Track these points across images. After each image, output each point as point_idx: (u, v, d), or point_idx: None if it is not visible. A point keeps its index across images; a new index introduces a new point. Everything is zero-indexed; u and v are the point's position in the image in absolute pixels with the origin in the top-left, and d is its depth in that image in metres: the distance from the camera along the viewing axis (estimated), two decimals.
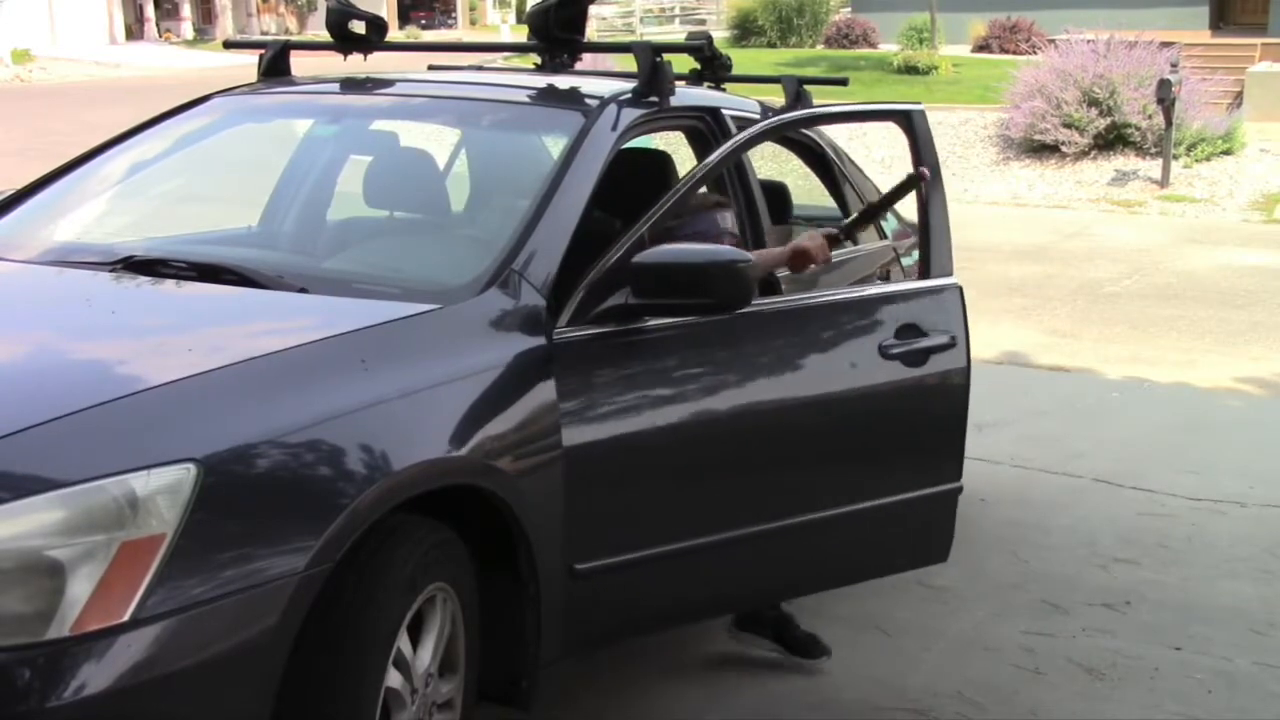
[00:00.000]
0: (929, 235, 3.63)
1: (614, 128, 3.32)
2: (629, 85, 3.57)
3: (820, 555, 3.52)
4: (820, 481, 3.44)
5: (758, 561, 3.37)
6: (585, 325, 2.91)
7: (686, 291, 2.94)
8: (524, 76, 4.00)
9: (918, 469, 3.62)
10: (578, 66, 4.13)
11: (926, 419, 3.63)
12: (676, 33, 29.78)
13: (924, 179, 3.59)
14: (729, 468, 3.23)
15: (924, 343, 3.54)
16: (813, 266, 3.54)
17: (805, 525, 3.38)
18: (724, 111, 3.81)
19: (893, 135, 16.03)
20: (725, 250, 3.04)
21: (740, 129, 3.80)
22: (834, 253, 4.26)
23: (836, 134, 4.35)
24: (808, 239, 3.54)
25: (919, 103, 3.79)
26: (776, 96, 4.38)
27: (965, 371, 3.63)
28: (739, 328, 3.19)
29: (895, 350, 3.49)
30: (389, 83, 3.88)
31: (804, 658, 3.69)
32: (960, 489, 3.68)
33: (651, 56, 3.49)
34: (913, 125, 3.66)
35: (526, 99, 3.68)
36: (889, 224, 4.57)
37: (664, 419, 3.05)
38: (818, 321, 3.49)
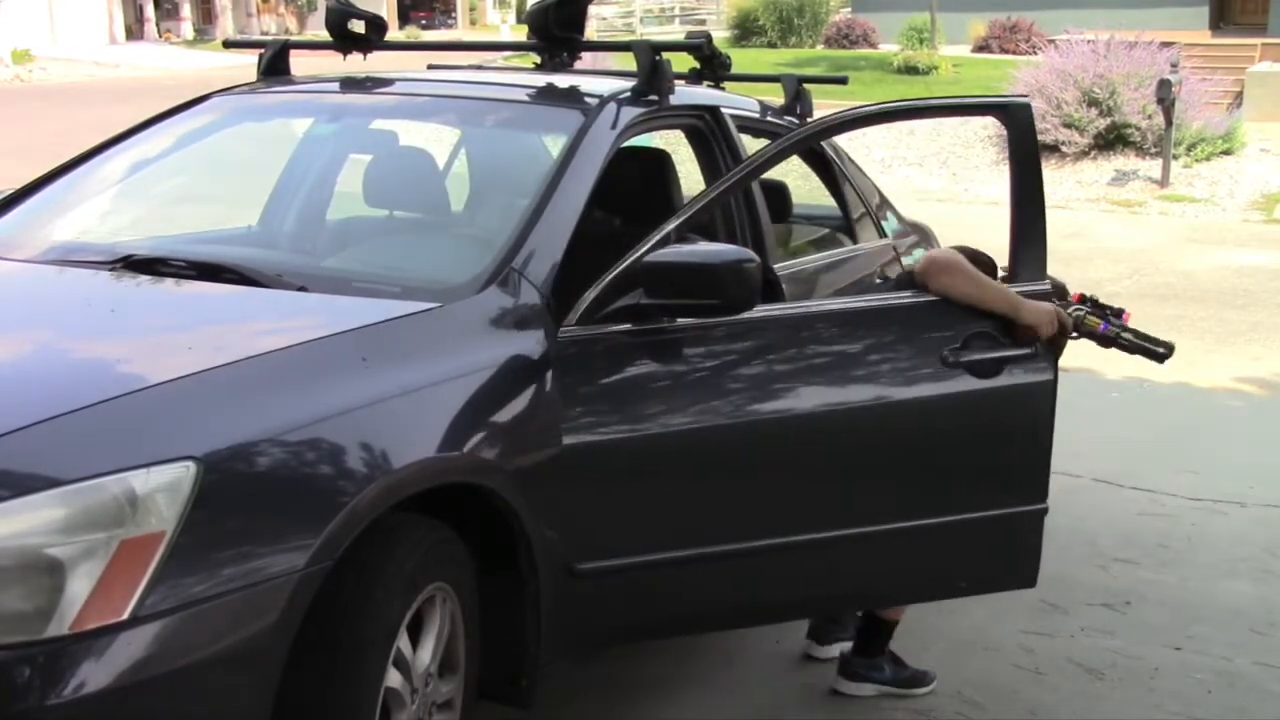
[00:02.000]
0: (1019, 235, 3.40)
1: (613, 126, 3.32)
2: (628, 84, 3.57)
3: (858, 573, 3.32)
4: (858, 495, 3.25)
5: (780, 575, 3.21)
6: (593, 324, 2.90)
7: (693, 292, 2.89)
8: (523, 76, 4.00)
9: (986, 487, 3.36)
10: (577, 65, 4.13)
11: (998, 434, 3.34)
12: (676, 32, 29.78)
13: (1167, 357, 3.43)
14: (746, 476, 3.11)
15: (998, 353, 3.29)
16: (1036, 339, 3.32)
17: (839, 540, 3.20)
18: (724, 110, 3.81)
19: (894, 136, 16.09)
20: (733, 250, 2.99)
21: (740, 128, 3.82)
22: (833, 252, 4.28)
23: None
24: (1045, 318, 3.28)
25: (1026, 95, 3.53)
26: (776, 96, 4.39)
27: (1050, 385, 3.33)
28: (764, 331, 3.13)
29: (962, 359, 3.25)
30: (388, 82, 3.88)
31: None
32: (1045, 510, 3.41)
33: (651, 55, 3.49)
34: (1015, 120, 3.43)
35: (526, 98, 3.68)
36: (889, 224, 4.57)
37: (676, 422, 2.97)
38: (861, 327, 3.28)
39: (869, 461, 3.25)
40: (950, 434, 3.30)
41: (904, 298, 3.34)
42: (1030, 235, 3.43)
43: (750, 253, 2.98)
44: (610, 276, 2.92)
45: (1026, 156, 3.42)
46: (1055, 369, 3.35)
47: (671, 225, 3.01)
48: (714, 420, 3.04)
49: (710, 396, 3.05)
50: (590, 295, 2.90)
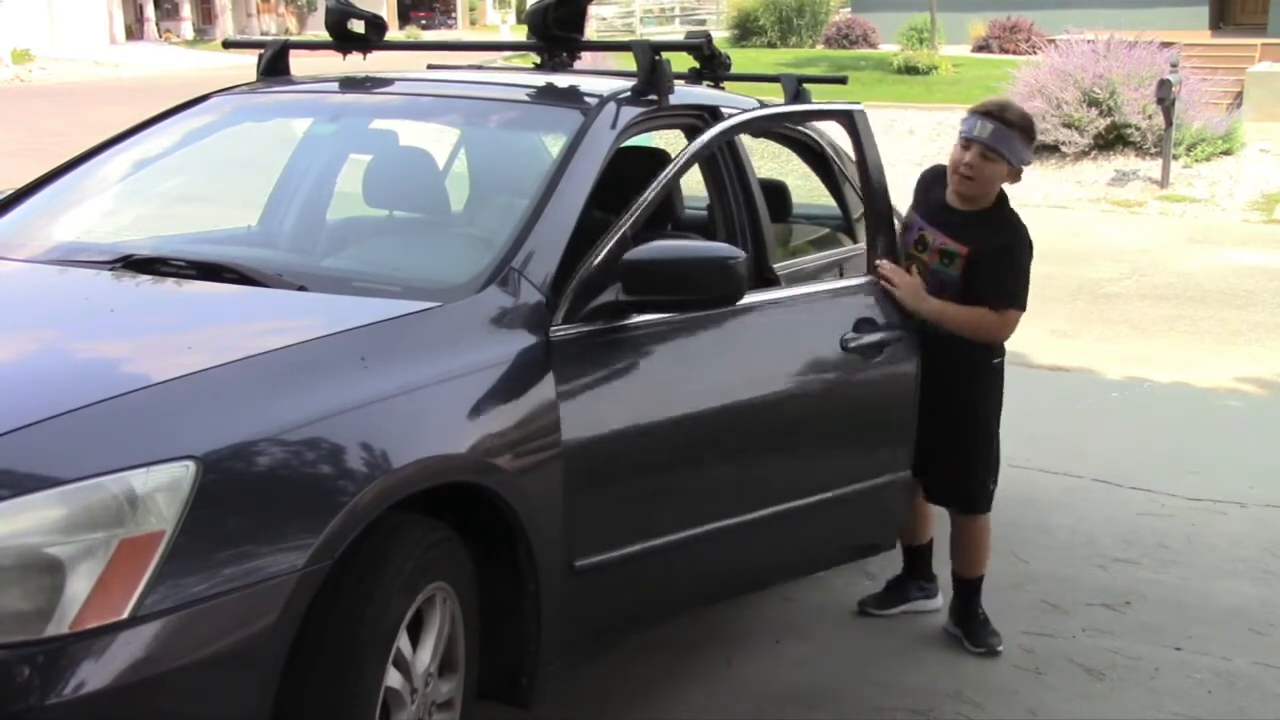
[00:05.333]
0: (874, 227, 3.75)
1: (613, 126, 3.33)
2: (628, 84, 3.57)
3: (795, 542, 3.63)
4: (793, 471, 3.53)
5: (743, 550, 3.44)
6: (578, 323, 2.92)
7: (678, 288, 2.96)
8: (523, 75, 4.00)
9: (876, 458, 3.73)
10: (577, 65, 4.13)
11: (884, 410, 3.72)
12: (676, 33, 29.77)
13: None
14: (714, 460, 3.29)
15: (878, 335, 3.61)
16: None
17: (783, 514, 3.46)
18: (723, 110, 3.81)
19: (894, 137, 16.09)
20: (717, 247, 3.08)
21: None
22: (833, 252, 4.32)
23: (836, 133, 4.36)
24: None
25: (858, 103, 3.90)
26: (776, 96, 4.38)
27: (916, 361, 3.70)
28: (724, 322, 3.24)
29: (853, 344, 3.56)
30: (388, 82, 3.88)
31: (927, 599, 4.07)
32: (911, 475, 3.80)
33: (650, 55, 3.50)
34: (854, 124, 3.77)
35: (525, 98, 3.68)
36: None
37: (650, 414, 3.08)
38: (796, 316, 3.54)
39: (813, 438, 3.57)
40: (853, 412, 3.68)
41: (810, 288, 3.66)
42: (882, 225, 3.74)
43: (735, 249, 3.07)
44: (578, 277, 2.94)
45: (867, 156, 3.74)
46: (918, 346, 3.70)
47: (625, 225, 3.04)
48: (696, 409, 3.19)
49: (692, 386, 3.20)
50: (568, 295, 2.92)
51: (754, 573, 3.60)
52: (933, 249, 3.72)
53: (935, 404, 3.74)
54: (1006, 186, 3.76)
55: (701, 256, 3.00)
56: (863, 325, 3.60)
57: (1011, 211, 3.75)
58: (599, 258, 2.96)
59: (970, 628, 3.87)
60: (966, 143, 3.68)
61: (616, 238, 3.00)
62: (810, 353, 3.54)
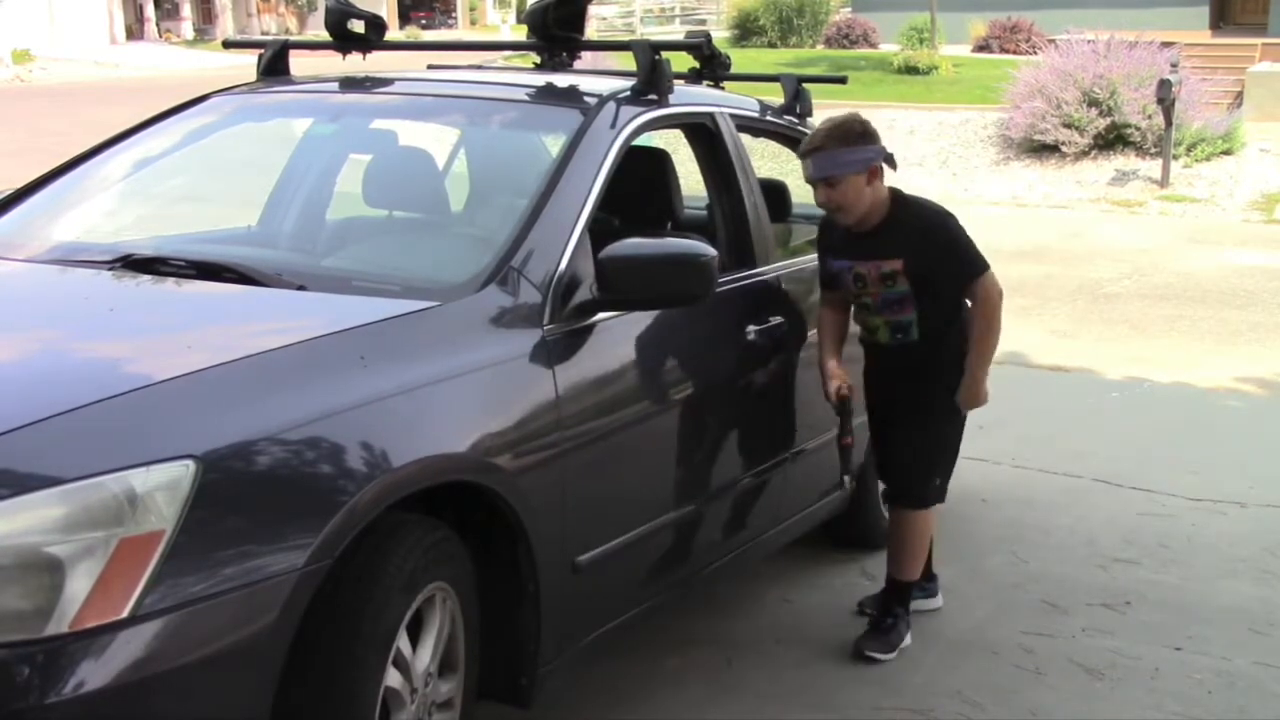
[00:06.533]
0: (733, 229, 3.80)
1: (613, 125, 3.33)
2: (628, 84, 3.58)
3: (781, 491, 3.88)
4: (770, 433, 3.82)
5: (718, 525, 3.62)
6: (564, 321, 2.94)
7: (652, 285, 3.00)
8: (523, 75, 4.00)
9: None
10: (577, 65, 4.13)
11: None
12: (676, 32, 29.75)
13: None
14: (704, 435, 3.46)
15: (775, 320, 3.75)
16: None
17: (750, 484, 3.70)
18: (723, 110, 3.82)
19: (895, 136, 16.08)
20: (689, 244, 3.09)
21: (740, 127, 3.87)
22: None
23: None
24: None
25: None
26: (776, 96, 4.39)
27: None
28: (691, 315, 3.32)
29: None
30: (388, 82, 3.88)
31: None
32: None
33: (650, 54, 3.51)
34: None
35: (525, 98, 3.68)
36: None
37: (641, 405, 3.16)
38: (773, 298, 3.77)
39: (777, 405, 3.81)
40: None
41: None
42: (738, 227, 3.78)
43: (707, 247, 3.09)
44: (555, 276, 2.95)
45: (719, 161, 3.79)
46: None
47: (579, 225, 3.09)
48: (676, 395, 3.32)
49: (670, 372, 3.33)
50: (551, 294, 2.93)
51: (732, 543, 3.72)
52: (873, 280, 3.67)
53: (901, 401, 3.78)
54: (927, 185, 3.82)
55: (673, 254, 3.01)
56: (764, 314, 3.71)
57: (913, 204, 3.70)
58: (568, 255, 2.99)
59: (872, 626, 3.85)
60: (812, 185, 3.69)
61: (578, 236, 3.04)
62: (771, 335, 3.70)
